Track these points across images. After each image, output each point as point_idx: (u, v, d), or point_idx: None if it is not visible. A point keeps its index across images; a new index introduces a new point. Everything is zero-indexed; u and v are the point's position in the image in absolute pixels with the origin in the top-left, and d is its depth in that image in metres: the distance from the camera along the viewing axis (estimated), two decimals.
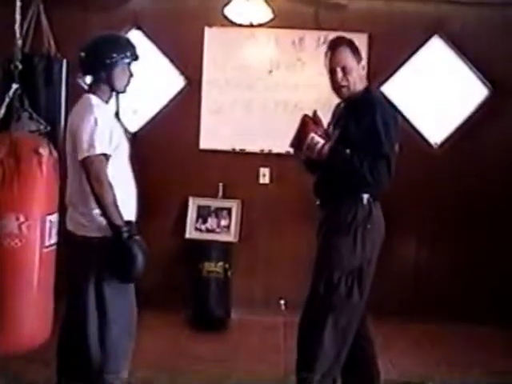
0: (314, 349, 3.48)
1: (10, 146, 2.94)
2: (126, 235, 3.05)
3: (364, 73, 3.61)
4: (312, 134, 3.45)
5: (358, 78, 3.52)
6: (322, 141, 3.44)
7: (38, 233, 2.93)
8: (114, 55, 3.20)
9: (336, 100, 3.69)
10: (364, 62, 3.62)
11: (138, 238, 3.13)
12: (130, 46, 3.31)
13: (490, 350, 4.82)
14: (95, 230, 3.13)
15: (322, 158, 3.42)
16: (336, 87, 3.54)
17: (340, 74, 3.49)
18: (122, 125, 3.44)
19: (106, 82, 3.24)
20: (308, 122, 3.51)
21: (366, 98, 3.51)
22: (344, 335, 3.52)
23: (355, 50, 3.55)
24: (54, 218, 3.05)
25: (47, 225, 2.97)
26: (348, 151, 3.38)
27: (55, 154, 3.09)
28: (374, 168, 3.35)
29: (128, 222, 3.12)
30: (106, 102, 3.28)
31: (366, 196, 3.45)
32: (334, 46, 3.55)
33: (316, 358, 3.48)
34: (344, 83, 3.50)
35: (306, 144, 3.45)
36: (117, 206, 3.06)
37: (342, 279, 3.47)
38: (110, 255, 3.08)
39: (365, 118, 3.42)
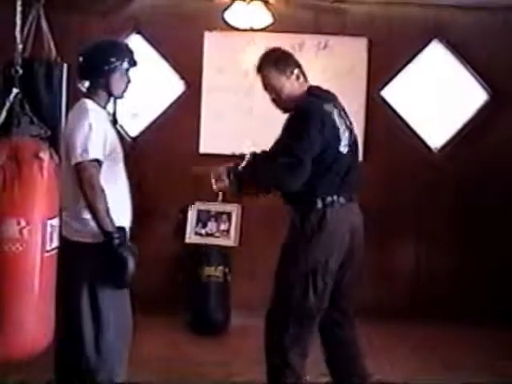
0: (279, 351, 3.49)
1: (10, 150, 2.93)
2: (116, 242, 3.04)
3: (300, 80, 3.52)
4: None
5: (290, 91, 3.49)
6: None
7: (39, 237, 2.92)
8: (113, 61, 3.20)
9: None
10: (298, 69, 3.51)
11: (129, 244, 3.13)
12: (128, 52, 3.30)
13: (490, 352, 4.83)
14: (88, 236, 3.12)
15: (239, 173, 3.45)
16: (273, 104, 3.55)
17: (272, 94, 3.51)
18: (119, 130, 3.44)
19: (104, 88, 3.23)
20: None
21: (296, 106, 3.46)
22: (307, 334, 3.50)
23: (282, 64, 3.51)
24: (55, 222, 3.03)
25: (48, 229, 2.96)
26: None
27: (56, 158, 3.08)
28: (277, 167, 3.31)
29: (120, 228, 3.10)
30: (103, 107, 3.28)
31: (320, 199, 3.41)
32: (258, 70, 3.56)
33: (284, 360, 3.48)
34: (278, 101, 3.51)
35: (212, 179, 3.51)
36: (108, 213, 3.05)
37: (296, 282, 3.43)
38: (101, 262, 3.07)
39: (286, 123, 3.43)
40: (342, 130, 3.46)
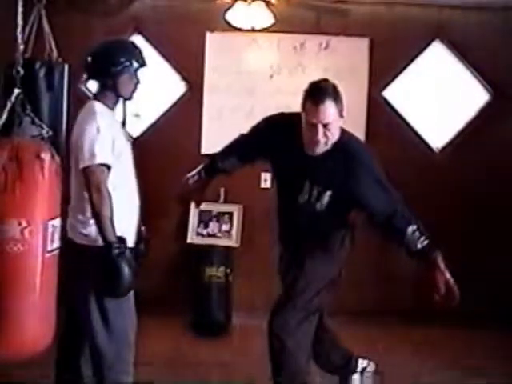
0: (304, 350, 3.59)
1: (11, 150, 2.94)
2: (115, 252, 3.01)
3: (342, 122, 3.34)
4: None
5: (336, 131, 3.30)
6: None
7: (41, 238, 2.92)
8: (122, 61, 3.16)
9: None
10: (345, 110, 3.33)
11: (128, 254, 3.07)
12: (137, 53, 3.26)
13: (491, 353, 4.83)
14: (94, 240, 3.10)
15: None
16: (313, 142, 3.28)
17: (321, 130, 3.24)
18: (127, 132, 3.43)
19: (112, 89, 3.20)
20: None
21: (351, 149, 3.38)
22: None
23: (339, 98, 3.28)
24: (57, 222, 3.04)
25: (49, 229, 2.97)
26: None
27: (57, 158, 3.08)
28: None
29: (120, 238, 3.06)
30: (112, 108, 3.25)
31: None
32: (319, 101, 3.23)
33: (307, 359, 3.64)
34: (323, 139, 3.26)
35: None
36: (112, 221, 3.02)
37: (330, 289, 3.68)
38: (99, 269, 3.05)
39: (362, 176, 3.34)
40: None
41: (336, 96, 3.27)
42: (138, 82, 3.26)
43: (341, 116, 3.30)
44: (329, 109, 3.23)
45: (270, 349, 3.52)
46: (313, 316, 3.55)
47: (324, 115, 3.22)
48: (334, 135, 3.29)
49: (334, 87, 3.31)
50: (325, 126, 3.24)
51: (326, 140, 3.27)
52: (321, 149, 3.30)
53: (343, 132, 3.39)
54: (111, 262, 3.01)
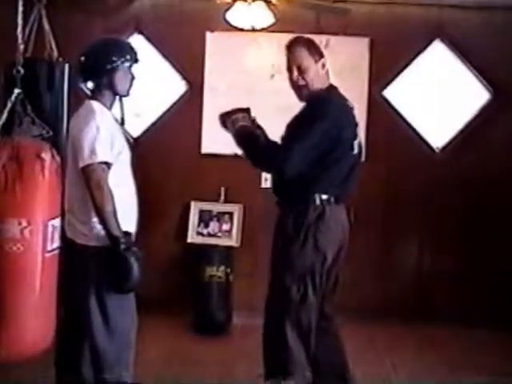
0: (282, 355, 3.50)
1: (12, 150, 2.94)
2: (123, 246, 3.02)
3: (324, 71, 3.56)
4: (241, 114, 3.72)
5: (316, 77, 3.50)
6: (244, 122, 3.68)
7: (41, 237, 2.93)
8: (115, 59, 3.16)
9: None
10: (324, 59, 3.56)
11: (135, 249, 3.09)
12: (129, 49, 3.28)
13: (491, 352, 4.83)
14: (95, 240, 3.10)
15: (236, 132, 3.67)
16: (294, 86, 3.55)
17: (295, 73, 3.50)
18: (125, 131, 3.43)
19: (108, 87, 3.21)
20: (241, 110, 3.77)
21: (311, 97, 3.50)
22: (307, 334, 3.50)
23: (313, 49, 3.54)
24: (57, 222, 3.04)
25: (49, 229, 2.97)
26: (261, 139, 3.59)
27: (58, 158, 3.08)
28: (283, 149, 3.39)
29: (126, 233, 3.09)
30: (110, 107, 3.25)
31: (318, 196, 3.42)
32: (290, 46, 3.56)
33: (287, 363, 3.49)
34: (301, 82, 3.50)
35: (231, 118, 3.73)
36: (116, 216, 3.03)
37: (293, 283, 3.44)
38: (106, 266, 3.06)
39: (299, 115, 3.52)
40: (357, 129, 3.54)
41: (309, 44, 3.55)
42: (133, 77, 3.27)
43: (321, 64, 3.53)
44: (300, 53, 3.51)
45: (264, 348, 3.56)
46: (302, 307, 3.45)
47: (295, 57, 3.51)
48: (314, 81, 3.50)
49: (309, 39, 3.60)
50: (299, 68, 3.49)
51: (304, 83, 3.50)
52: (302, 95, 3.53)
53: (329, 88, 3.57)
54: (119, 256, 3.01)
